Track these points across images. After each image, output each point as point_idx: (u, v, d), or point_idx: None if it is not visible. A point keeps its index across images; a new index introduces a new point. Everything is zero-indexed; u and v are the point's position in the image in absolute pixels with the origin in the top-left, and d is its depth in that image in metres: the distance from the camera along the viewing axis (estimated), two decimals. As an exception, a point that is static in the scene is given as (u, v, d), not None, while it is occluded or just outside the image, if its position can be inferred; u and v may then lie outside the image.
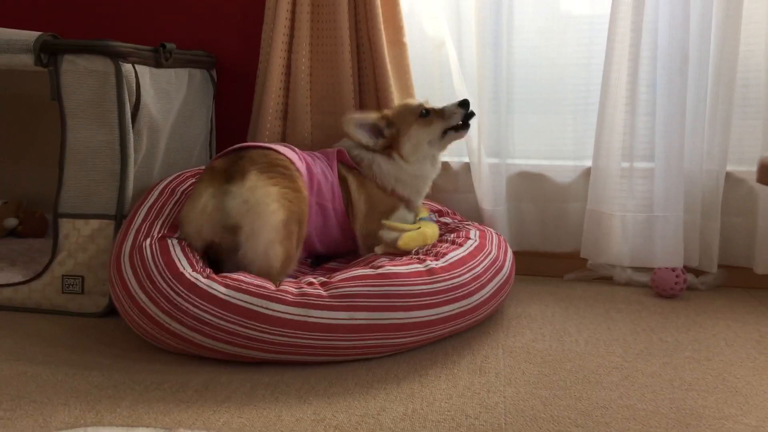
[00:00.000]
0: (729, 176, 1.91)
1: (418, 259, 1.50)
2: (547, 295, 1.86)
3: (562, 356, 1.42)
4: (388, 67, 1.99)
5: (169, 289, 1.33)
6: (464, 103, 1.76)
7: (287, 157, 1.55)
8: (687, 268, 1.90)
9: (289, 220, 1.45)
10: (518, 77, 2.05)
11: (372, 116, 1.77)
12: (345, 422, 1.13)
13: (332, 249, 1.76)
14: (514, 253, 1.95)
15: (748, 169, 1.93)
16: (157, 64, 1.71)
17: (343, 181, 1.72)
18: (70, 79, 1.57)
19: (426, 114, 1.75)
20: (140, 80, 1.60)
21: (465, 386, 1.27)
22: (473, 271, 1.52)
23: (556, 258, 2.07)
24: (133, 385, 1.26)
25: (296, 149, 1.68)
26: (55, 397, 1.20)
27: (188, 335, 1.31)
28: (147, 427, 1.07)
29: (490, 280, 1.56)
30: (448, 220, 1.90)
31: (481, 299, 1.52)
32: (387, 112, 1.80)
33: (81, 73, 1.56)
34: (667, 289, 1.84)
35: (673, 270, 1.84)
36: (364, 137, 1.74)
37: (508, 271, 1.65)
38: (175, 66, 1.81)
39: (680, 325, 1.63)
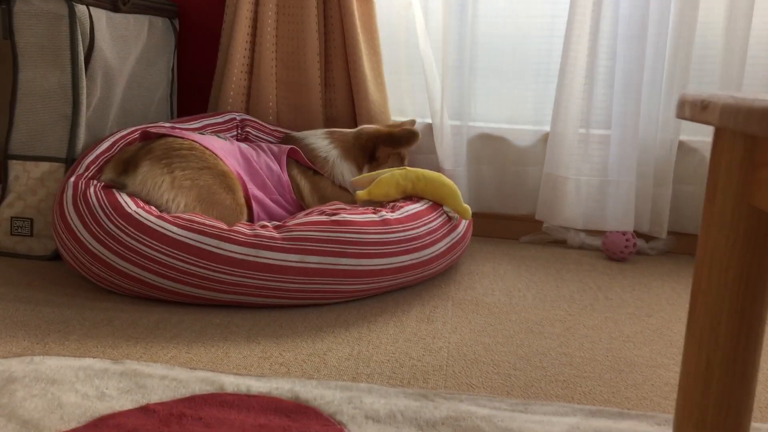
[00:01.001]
0: (682, 145, 1.96)
1: (374, 210, 1.53)
2: (501, 256, 1.90)
3: (508, 309, 1.46)
4: (357, 23, 1.99)
5: (119, 231, 1.33)
6: None
7: (193, 141, 1.55)
8: (637, 234, 1.95)
9: (200, 197, 1.46)
10: (482, 43, 2.07)
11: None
12: (291, 360, 1.15)
13: None
14: (473, 214, 2.00)
15: (701, 139, 1.98)
16: (114, 9, 1.69)
17: (292, 180, 1.73)
18: (22, 18, 1.55)
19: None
20: (95, 23, 1.59)
21: (411, 332, 1.30)
22: (427, 226, 1.55)
23: (513, 220, 2.11)
24: (83, 322, 1.27)
25: (226, 140, 1.69)
26: (3, 329, 1.21)
27: (141, 275, 1.33)
28: (95, 358, 1.08)
29: (444, 237, 1.59)
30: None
31: (434, 254, 1.55)
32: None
33: (34, 13, 1.54)
34: (617, 252, 1.89)
35: (624, 234, 1.89)
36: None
37: (463, 231, 1.68)
38: (134, 12, 1.79)
39: (626, 285, 1.68)
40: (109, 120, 1.74)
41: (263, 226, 1.41)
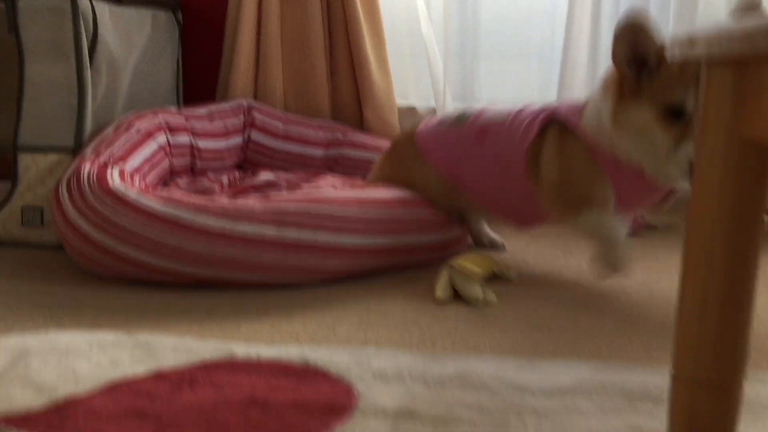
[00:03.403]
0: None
1: (359, 188, 1.51)
2: (510, 234, 1.91)
3: (519, 279, 1.47)
4: (360, 10, 2.01)
5: (99, 204, 1.33)
6: None
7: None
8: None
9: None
10: (484, 26, 2.11)
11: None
12: (300, 330, 1.17)
13: (516, 220, 1.58)
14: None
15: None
16: (117, 1, 1.73)
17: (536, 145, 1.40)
18: (27, 14, 1.58)
19: (677, 115, 1.19)
20: (98, 16, 1.63)
21: (420, 303, 1.31)
22: (418, 212, 1.51)
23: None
24: (96, 302, 1.29)
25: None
26: (19, 310, 1.23)
27: (121, 251, 1.32)
28: (108, 331, 1.11)
29: (436, 230, 1.55)
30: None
31: (421, 243, 1.51)
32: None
33: (38, 8, 1.58)
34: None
35: (631, 208, 1.89)
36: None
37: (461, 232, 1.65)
38: (136, 5, 1.83)
39: (637, 256, 1.68)
40: (116, 112, 1.77)
41: (245, 200, 1.39)
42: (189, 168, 1.80)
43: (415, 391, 0.92)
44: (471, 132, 1.51)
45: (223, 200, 1.37)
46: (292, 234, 1.34)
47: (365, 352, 1.05)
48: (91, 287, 1.38)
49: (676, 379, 0.68)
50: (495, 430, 0.83)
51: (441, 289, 1.33)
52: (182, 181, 1.71)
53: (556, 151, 1.38)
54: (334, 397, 0.90)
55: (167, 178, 1.73)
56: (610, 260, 1.36)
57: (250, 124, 1.92)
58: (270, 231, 1.33)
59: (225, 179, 1.72)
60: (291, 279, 1.38)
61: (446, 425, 0.84)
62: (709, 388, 0.65)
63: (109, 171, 1.40)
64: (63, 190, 1.41)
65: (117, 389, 0.90)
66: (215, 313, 1.25)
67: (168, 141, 1.71)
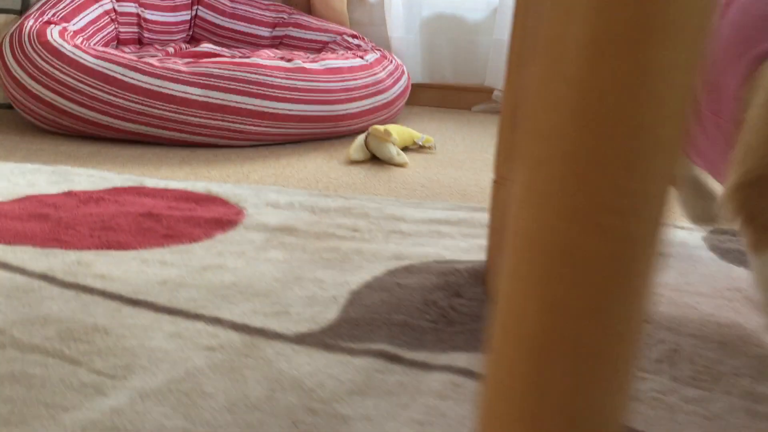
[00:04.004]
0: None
1: (288, 59, 1.58)
2: (448, 119, 1.99)
3: (439, 152, 1.56)
4: None
5: (38, 57, 1.41)
6: None
7: None
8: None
9: None
10: None
11: None
12: (216, 176, 1.26)
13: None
14: (428, 86, 2.08)
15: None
16: None
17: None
18: None
19: None
20: None
21: (338, 163, 1.40)
22: (345, 83, 1.58)
23: (466, 91, 2.18)
24: (28, 146, 1.37)
25: None
26: (-45, 149, 1.32)
27: (58, 103, 1.40)
28: (34, 163, 1.19)
29: (363, 98, 1.61)
30: (361, 43, 1.97)
31: (349, 112, 1.59)
32: None
33: None
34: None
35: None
36: None
37: (391, 97, 1.71)
38: None
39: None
40: (67, -20, 1.80)
41: (175, 62, 1.46)
42: (137, 39, 1.85)
43: (299, 216, 1.02)
44: None
45: (152, 60, 1.43)
46: (217, 96, 1.41)
47: (267, 188, 1.14)
48: (28, 137, 1.46)
49: (494, 182, 0.77)
50: (358, 242, 0.93)
51: (354, 150, 1.41)
52: (128, 49, 1.77)
53: None
54: (224, 215, 1.00)
55: (114, 45, 1.78)
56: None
57: (197, 0, 1.96)
58: (196, 92, 1.40)
59: (171, 49, 1.77)
60: (217, 140, 1.45)
61: (318, 238, 0.94)
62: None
63: (49, 28, 1.47)
64: (6, 44, 1.47)
65: (27, 200, 1.00)
66: (141, 159, 1.34)
67: (114, 8, 1.76)
